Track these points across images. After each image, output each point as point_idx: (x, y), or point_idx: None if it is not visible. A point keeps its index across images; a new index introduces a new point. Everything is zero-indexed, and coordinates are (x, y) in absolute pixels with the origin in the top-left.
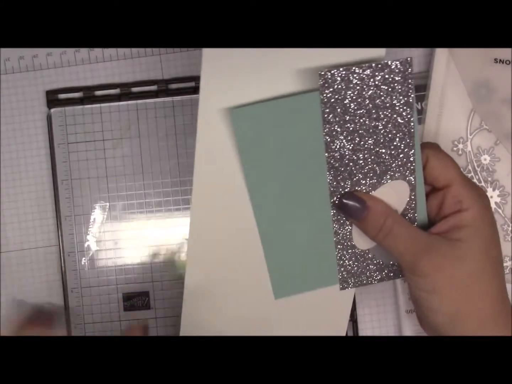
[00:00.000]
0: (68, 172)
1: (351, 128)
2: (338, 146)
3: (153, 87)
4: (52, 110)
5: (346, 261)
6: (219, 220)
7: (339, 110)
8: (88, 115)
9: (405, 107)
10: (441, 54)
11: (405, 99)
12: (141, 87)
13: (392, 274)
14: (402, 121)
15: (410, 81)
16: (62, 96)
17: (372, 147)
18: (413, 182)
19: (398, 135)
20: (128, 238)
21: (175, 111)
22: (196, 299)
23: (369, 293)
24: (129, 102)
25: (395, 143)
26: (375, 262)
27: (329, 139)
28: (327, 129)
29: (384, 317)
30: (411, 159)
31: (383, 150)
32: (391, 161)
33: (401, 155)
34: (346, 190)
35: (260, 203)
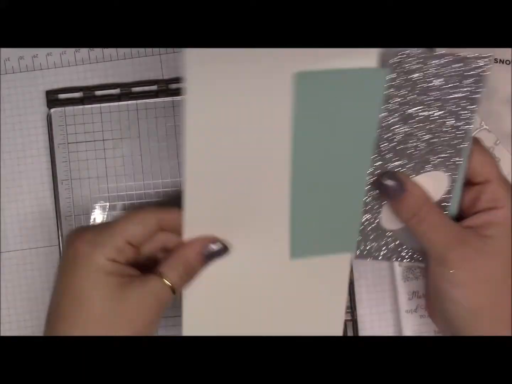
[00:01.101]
0: (68, 172)
1: (408, 111)
2: (391, 126)
3: (153, 87)
4: (52, 110)
5: (368, 235)
6: (214, 219)
7: (404, 91)
8: (88, 115)
9: (469, 104)
10: None
11: (472, 95)
12: (141, 87)
13: (408, 257)
14: (462, 116)
15: (482, 78)
16: (62, 96)
17: (424, 134)
18: (454, 177)
19: (454, 128)
20: None
21: (175, 111)
22: (196, 297)
23: (369, 293)
24: (129, 102)
25: (448, 136)
26: (397, 242)
27: (384, 116)
28: (386, 106)
29: (384, 317)
30: (459, 153)
31: (435, 140)
32: (439, 151)
33: (450, 148)
34: (388, 170)
35: (302, 156)
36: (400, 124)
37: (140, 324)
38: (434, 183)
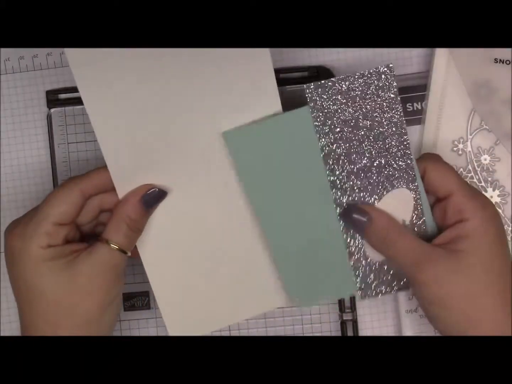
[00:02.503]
0: (68, 172)
1: (344, 139)
2: (335, 159)
3: None
4: (52, 110)
5: (362, 272)
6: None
7: (329, 121)
8: (88, 115)
9: (393, 114)
10: (441, 54)
11: (392, 105)
12: None
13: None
14: (394, 129)
15: (394, 86)
16: (62, 96)
17: (370, 156)
18: (415, 190)
19: (392, 143)
20: None
21: None
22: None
23: None
24: None
25: (391, 152)
26: (391, 272)
27: (326, 153)
28: (322, 142)
29: (384, 317)
30: (410, 167)
31: (382, 160)
32: (390, 170)
33: (399, 164)
34: (351, 201)
35: (268, 222)
36: (342, 154)
37: (100, 294)
38: (400, 202)
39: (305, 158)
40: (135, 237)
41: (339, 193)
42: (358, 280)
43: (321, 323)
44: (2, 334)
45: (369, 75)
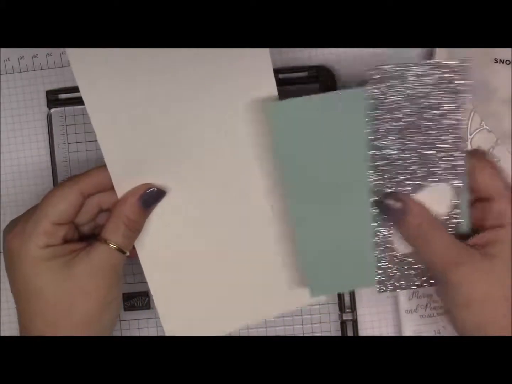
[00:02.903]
0: (68, 172)
1: (398, 127)
2: (383, 145)
3: None
4: (52, 110)
5: (385, 264)
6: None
7: (387, 107)
8: (88, 115)
9: (458, 110)
10: (441, 54)
11: (460, 101)
12: None
13: (432, 280)
14: (454, 124)
15: (467, 82)
16: (62, 96)
17: (418, 147)
18: (457, 188)
19: (447, 137)
20: None
21: None
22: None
23: (369, 293)
24: None
25: (443, 146)
26: (415, 267)
27: (374, 137)
28: (373, 127)
29: (384, 317)
30: (458, 164)
31: (430, 152)
32: (437, 164)
33: (448, 159)
34: (388, 190)
35: (297, 200)
36: (391, 140)
37: (99, 294)
38: (438, 197)
39: (349, 140)
40: (134, 237)
41: (378, 181)
42: (380, 272)
43: (321, 323)
44: (2, 334)
45: (440, 66)
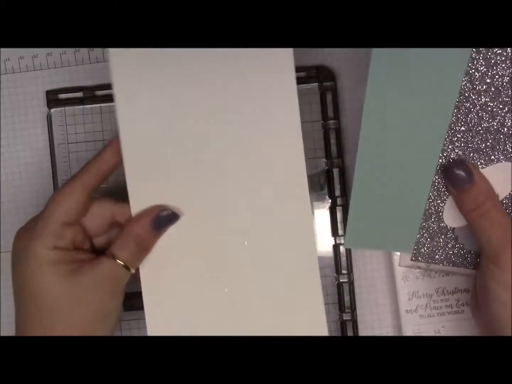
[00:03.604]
0: (68, 172)
1: (488, 95)
2: (468, 108)
3: None
4: (52, 110)
5: (428, 232)
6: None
7: (483, 70)
8: (88, 115)
9: None
10: None
11: None
12: None
13: (466, 263)
14: None
15: None
16: (62, 96)
17: (500, 121)
18: None
19: None
20: None
21: None
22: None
23: (369, 293)
24: None
25: None
26: (455, 243)
27: (462, 98)
28: (465, 87)
29: (384, 317)
30: None
31: (508, 130)
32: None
33: None
34: (457, 157)
35: (368, 136)
36: (477, 107)
37: (97, 306)
38: (505, 176)
39: (439, 95)
40: (142, 256)
41: (450, 145)
42: (421, 240)
43: None
44: (2, 334)
45: None
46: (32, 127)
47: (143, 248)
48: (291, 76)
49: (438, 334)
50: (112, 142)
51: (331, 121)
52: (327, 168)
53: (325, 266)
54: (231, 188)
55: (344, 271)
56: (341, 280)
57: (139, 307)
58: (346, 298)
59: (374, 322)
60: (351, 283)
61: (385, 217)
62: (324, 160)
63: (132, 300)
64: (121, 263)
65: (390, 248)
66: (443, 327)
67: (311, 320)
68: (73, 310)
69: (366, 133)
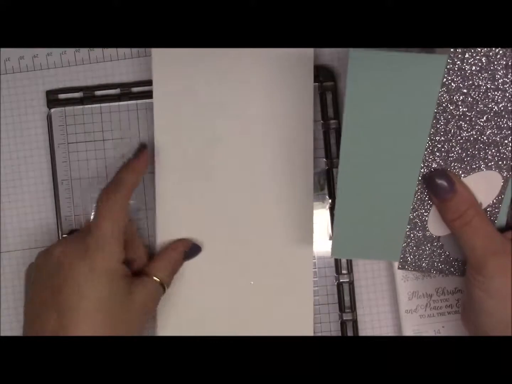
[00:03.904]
0: (68, 172)
1: (465, 105)
2: (447, 119)
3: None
4: (52, 110)
5: (414, 241)
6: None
7: (459, 80)
8: (88, 115)
9: None
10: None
11: None
12: (141, 87)
13: (453, 270)
14: None
15: None
16: (62, 96)
17: (480, 130)
18: (507, 178)
19: (508, 126)
20: None
21: None
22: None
23: (369, 293)
24: (129, 102)
25: (503, 133)
26: (441, 251)
27: (440, 108)
28: (442, 97)
29: (384, 317)
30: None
31: (488, 139)
32: (493, 151)
33: (506, 148)
34: (439, 167)
35: (349, 148)
36: (456, 117)
37: (143, 319)
38: (487, 184)
39: (417, 106)
40: (172, 278)
41: (431, 155)
42: (407, 249)
43: (321, 323)
44: (2, 334)
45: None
46: (32, 127)
47: (175, 272)
48: (310, 77)
49: (438, 334)
50: (141, 153)
51: (331, 121)
52: (327, 168)
53: (325, 266)
54: (234, 184)
55: (344, 271)
56: (341, 280)
57: None
58: (346, 298)
59: (374, 322)
60: (351, 283)
61: (370, 227)
62: (324, 160)
63: None
64: (161, 283)
65: (376, 257)
66: (443, 327)
67: (299, 321)
68: (125, 319)
69: (346, 147)
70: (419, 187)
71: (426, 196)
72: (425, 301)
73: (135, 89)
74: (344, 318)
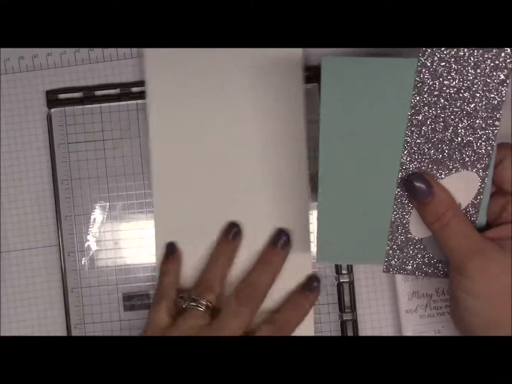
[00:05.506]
0: (68, 172)
1: (438, 106)
2: (421, 121)
3: None
4: (52, 110)
5: (396, 244)
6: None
7: (431, 82)
8: (88, 115)
9: (496, 96)
10: None
11: (499, 87)
12: (141, 87)
13: (437, 272)
14: (490, 111)
15: (509, 68)
16: (62, 96)
17: (454, 131)
18: (483, 177)
19: (482, 124)
20: (128, 238)
21: None
22: None
23: (369, 293)
24: (129, 102)
25: (477, 133)
26: (424, 253)
27: (414, 111)
28: (415, 100)
29: (384, 317)
30: (488, 154)
31: (464, 138)
32: (468, 151)
33: (480, 147)
34: (416, 169)
35: (327, 155)
36: (429, 119)
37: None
38: (463, 185)
39: (391, 110)
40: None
41: (408, 158)
42: (390, 252)
43: (321, 323)
44: (2, 334)
45: (487, 52)
46: (32, 127)
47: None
48: (299, 77)
49: (438, 334)
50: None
51: None
52: None
53: (325, 266)
54: (229, 186)
55: (344, 271)
56: (341, 280)
57: (139, 307)
58: (346, 298)
59: (374, 322)
60: (351, 283)
61: (353, 232)
62: None
63: (132, 300)
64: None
65: (361, 261)
66: (443, 327)
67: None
68: None
69: (324, 153)
70: (399, 190)
71: (406, 199)
72: (425, 301)
73: (135, 89)
74: (344, 318)
